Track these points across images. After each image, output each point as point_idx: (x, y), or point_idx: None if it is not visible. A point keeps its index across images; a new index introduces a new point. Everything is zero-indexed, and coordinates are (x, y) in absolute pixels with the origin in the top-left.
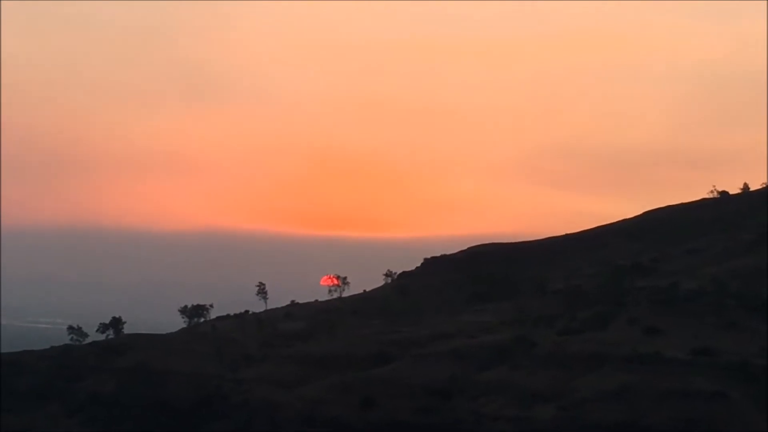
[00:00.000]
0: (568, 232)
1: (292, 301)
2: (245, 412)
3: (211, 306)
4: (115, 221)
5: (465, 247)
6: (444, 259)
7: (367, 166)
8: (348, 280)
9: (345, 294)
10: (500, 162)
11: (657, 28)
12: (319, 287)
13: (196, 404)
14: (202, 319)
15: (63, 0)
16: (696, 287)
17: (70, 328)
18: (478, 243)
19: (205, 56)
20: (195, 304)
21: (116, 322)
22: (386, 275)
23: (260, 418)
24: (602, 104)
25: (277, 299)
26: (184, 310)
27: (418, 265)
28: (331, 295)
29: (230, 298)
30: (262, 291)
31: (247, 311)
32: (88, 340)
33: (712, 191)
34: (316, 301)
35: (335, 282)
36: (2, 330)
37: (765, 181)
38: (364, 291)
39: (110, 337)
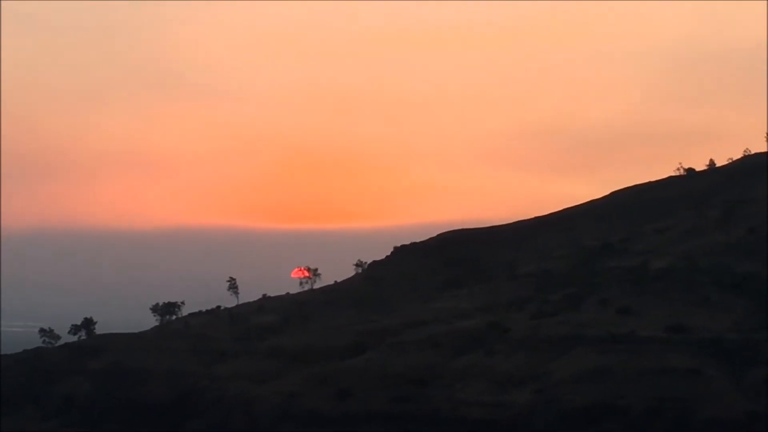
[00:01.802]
0: (538, 214)
1: (264, 295)
2: (221, 408)
3: (183, 303)
4: (83, 221)
5: (435, 234)
6: (414, 246)
7: (334, 158)
8: (319, 271)
9: (316, 286)
10: (467, 148)
11: (619, 7)
12: (290, 280)
13: (173, 402)
14: (174, 317)
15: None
16: (666, 265)
17: (42, 330)
18: (448, 229)
19: (171, 53)
20: (166, 301)
21: (88, 323)
22: (357, 265)
23: (236, 413)
24: (567, 86)
25: (249, 294)
26: (155, 308)
27: (389, 253)
28: (303, 287)
29: (201, 295)
30: (233, 286)
31: (219, 307)
32: (61, 342)
33: (678, 168)
34: (288, 294)
35: (306, 274)
36: None
37: (731, 156)
38: (336, 282)
39: (82, 338)
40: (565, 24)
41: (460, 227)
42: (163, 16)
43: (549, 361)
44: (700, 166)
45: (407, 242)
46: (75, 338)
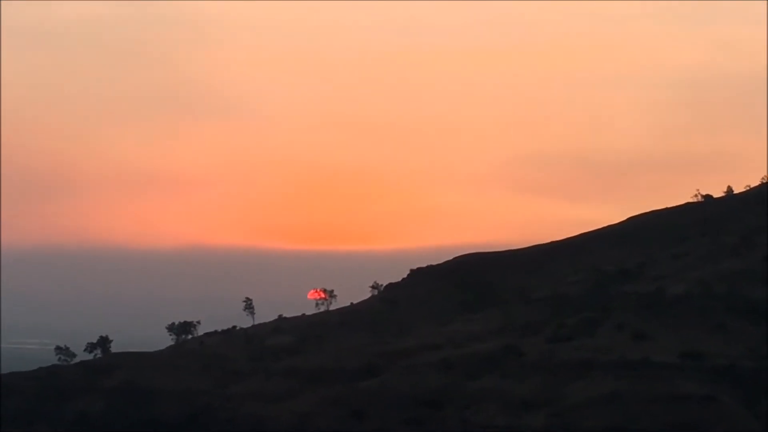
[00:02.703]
0: (554, 239)
1: (280, 316)
2: (234, 428)
3: (199, 322)
4: (100, 239)
5: (451, 257)
6: (430, 269)
7: (351, 180)
8: (335, 293)
9: (332, 307)
10: (484, 171)
11: (636, 34)
12: (306, 301)
13: (185, 421)
14: (190, 336)
15: (40, 7)
16: (682, 291)
17: (58, 348)
18: (464, 253)
19: (189, 73)
20: (182, 320)
21: (103, 341)
22: (373, 287)
23: None
24: (583, 111)
25: (265, 314)
26: (171, 327)
27: (405, 276)
28: (319, 309)
29: (217, 314)
30: (249, 306)
31: (234, 327)
32: (76, 359)
33: (696, 195)
34: (304, 315)
35: (322, 295)
36: None
37: (749, 184)
38: (352, 304)
39: (98, 356)
40: (583, 49)
41: (476, 251)
42: (181, 35)
43: (564, 386)
44: (718, 192)
45: (423, 265)
46: (91, 356)
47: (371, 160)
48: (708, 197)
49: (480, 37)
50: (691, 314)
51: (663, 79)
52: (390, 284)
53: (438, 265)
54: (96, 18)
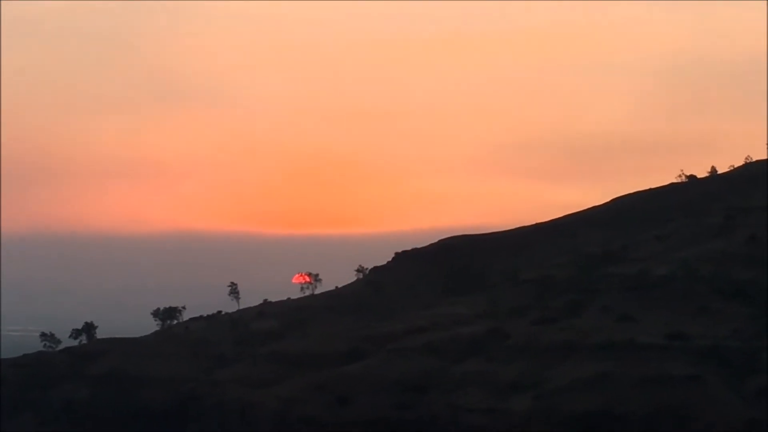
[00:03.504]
0: (538, 221)
1: (265, 300)
2: (221, 413)
3: (184, 308)
4: (83, 226)
5: (436, 240)
6: (415, 252)
7: (336, 165)
8: (320, 277)
9: (317, 291)
10: (468, 155)
11: (619, 20)
12: (291, 285)
13: (172, 407)
14: (175, 321)
15: (17, 2)
16: (666, 273)
17: (43, 334)
18: (449, 235)
19: (173, 60)
20: (167, 306)
21: (89, 327)
22: (358, 271)
23: (235, 418)
24: (567, 94)
25: (250, 299)
26: (156, 313)
27: (390, 259)
28: (303, 293)
29: (202, 300)
30: (234, 291)
31: (219, 312)
32: (61, 346)
33: (680, 175)
34: (289, 299)
35: (307, 279)
36: None
37: (732, 164)
38: (336, 287)
39: (83, 342)
40: (564, 33)
41: (461, 233)
42: (168, 21)
43: (549, 368)
44: (702, 173)
45: (408, 248)
46: (76, 343)
47: (355, 145)
48: (692, 178)
49: (465, 23)
50: (675, 296)
51: (646, 62)
52: (375, 268)
53: (423, 248)
54: (80, 7)
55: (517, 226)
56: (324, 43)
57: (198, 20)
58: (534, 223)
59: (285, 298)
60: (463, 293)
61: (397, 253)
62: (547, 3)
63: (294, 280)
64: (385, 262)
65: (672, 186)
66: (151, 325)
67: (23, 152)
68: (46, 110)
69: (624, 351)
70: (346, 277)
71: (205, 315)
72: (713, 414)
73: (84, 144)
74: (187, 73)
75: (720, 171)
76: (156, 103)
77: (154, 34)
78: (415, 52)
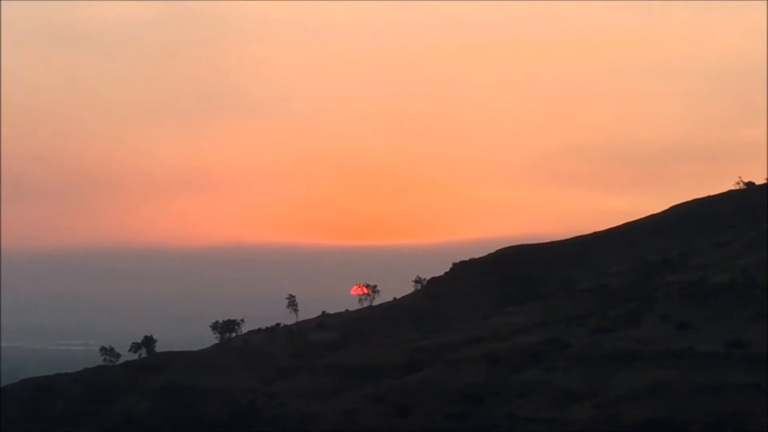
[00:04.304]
0: (596, 230)
1: (323, 312)
2: (279, 425)
3: (243, 320)
4: (142, 240)
5: (493, 250)
6: (473, 262)
7: (392, 175)
8: (378, 288)
9: (375, 302)
10: (524, 163)
11: (673, 24)
12: (349, 297)
13: (231, 420)
14: (234, 334)
15: (73, 10)
16: (726, 280)
17: (103, 349)
18: (506, 245)
19: (224, 71)
20: (226, 319)
21: (148, 341)
22: (416, 282)
23: (294, 430)
24: (623, 102)
25: (308, 311)
26: (215, 326)
27: (447, 270)
28: (362, 304)
29: (261, 312)
30: (292, 303)
31: (278, 324)
32: (121, 360)
33: (737, 183)
34: (347, 310)
35: (365, 291)
36: (34, 354)
37: None
38: (395, 299)
39: (143, 356)
40: (619, 37)
41: (518, 243)
42: (218, 35)
43: (608, 377)
44: (760, 180)
45: (465, 258)
46: (135, 356)
47: (411, 154)
48: (750, 184)
49: (517, 30)
50: (734, 303)
51: (701, 68)
52: (432, 278)
53: (480, 258)
54: (133, 18)
55: (574, 234)
56: (379, 54)
57: (250, 31)
58: (591, 231)
59: (343, 310)
60: (521, 303)
61: (454, 264)
62: (601, 6)
63: (352, 292)
64: (442, 273)
65: (730, 193)
66: (210, 338)
67: (82, 167)
68: (106, 124)
69: (683, 359)
70: (404, 288)
71: (264, 327)
72: None
73: (143, 157)
74: (244, 85)
75: None
76: (211, 115)
77: (206, 45)
78: (470, 60)
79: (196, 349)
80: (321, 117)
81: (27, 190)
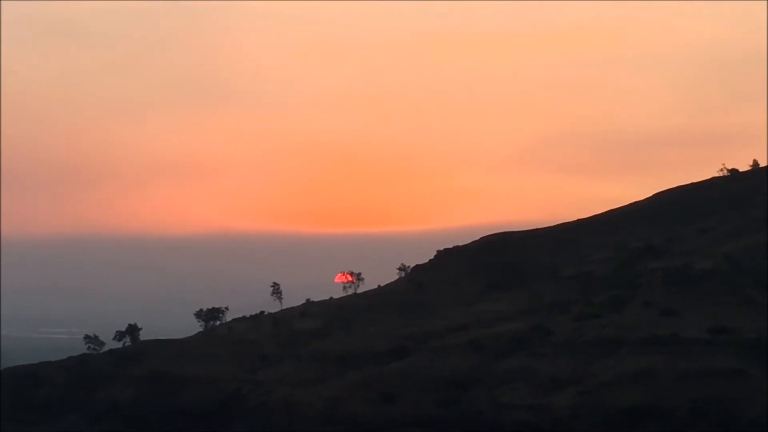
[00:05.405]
0: (580, 217)
1: (308, 300)
2: (264, 413)
3: (227, 308)
4: (125, 228)
5: (477, 237)
6: (457, 250)
7: (376, 162)
8: (362, 276)
9: (360, 290)
10: (509, 152)
11: (657, 12)
12: (334, 284)
13: (215, 408)
14: (218, 322)
15: (61, 2)
16: (710, 266)
17: (87, 337)
18: (491, 232)
19: (211, 60)
20: (210, 307)
21: (132, 329)
22: (400, 269)
23: (279, 418)
24: (607, 90)
25: (292, 298)
26: (199, 314)
27: (432, 257)
28: (346, 292)
29: (245, 300)
30: (276, 291)
31: (262, 312)
32: (105, 348)
33: (721, 169)
34: (331, 298)
35: (349, 278)
36: (18, 342)
37: None
38: (379, 286)
39: (127, 344)
40: (606, 27)
41: (503, 230)
42: (206, 23)
43: (592, 364)
44: (744, 167)
45: (450, 246)
46: (119, 345)
47: (396, 142)
48: (734, 171)
49: (503, 19)
50: (719, 289)
51: (685, 56)
52: (417, 266)
53: (465, 245)
54: (118, 9)
55: (559, 222)
56: (362, 41)
57: (232, 20)
58: (575, 218)
59: (328, 298)
60: (505, 290)
61: (439, 251)
62: None
63: (336, 280)
64: (427, 260)
65: (714, 180)
66: (194, 326)
67: (62, 156)
68: (88, 113)
69: (667, 345)
70: (389, 275)
71: (248, 315)
72: (757, 407)
73: (124, 146)
74: (225, 74)
75: (762, 164)
76: (195, 103)
77: (192, 35)
78: (455, 49)
79: (180, 337)
80: (307, 105)
81: (10, 180)
